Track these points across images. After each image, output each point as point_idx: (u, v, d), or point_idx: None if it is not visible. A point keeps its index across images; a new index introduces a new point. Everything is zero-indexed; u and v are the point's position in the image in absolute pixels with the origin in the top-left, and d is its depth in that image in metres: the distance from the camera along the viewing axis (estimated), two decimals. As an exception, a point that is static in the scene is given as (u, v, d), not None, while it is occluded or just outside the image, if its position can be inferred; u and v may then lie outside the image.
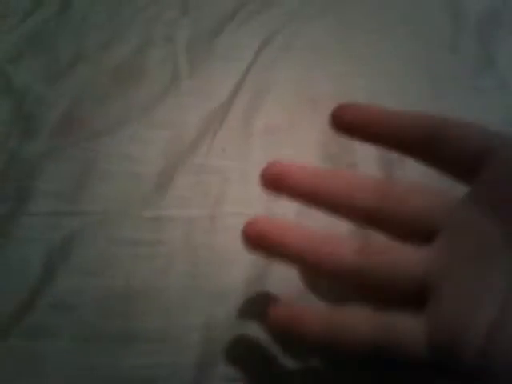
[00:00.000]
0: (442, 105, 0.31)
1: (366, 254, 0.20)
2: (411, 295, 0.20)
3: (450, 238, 0.20)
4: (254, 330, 0.25)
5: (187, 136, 0.32)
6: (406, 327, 0.19)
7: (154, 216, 0.29)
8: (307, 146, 0.31)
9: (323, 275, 0.22)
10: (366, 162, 0.30)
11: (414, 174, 0.23)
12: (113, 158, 0.31)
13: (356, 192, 0.21)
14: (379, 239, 0.21)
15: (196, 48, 0.35)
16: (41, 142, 0.31)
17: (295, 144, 0.31)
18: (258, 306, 0.26)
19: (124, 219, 0.29)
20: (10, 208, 0.29)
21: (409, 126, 0.21)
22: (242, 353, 0.25)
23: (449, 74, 0.34)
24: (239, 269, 0.27)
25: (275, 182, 0.22)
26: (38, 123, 0.32)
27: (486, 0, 0.37)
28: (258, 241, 0.21)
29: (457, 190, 0.21)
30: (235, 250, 0.27)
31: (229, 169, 0.27)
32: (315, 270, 0.21)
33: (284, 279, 0.26)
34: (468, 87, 0.33)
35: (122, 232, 0.28)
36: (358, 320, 0.19)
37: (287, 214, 0.28)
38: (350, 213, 0.22)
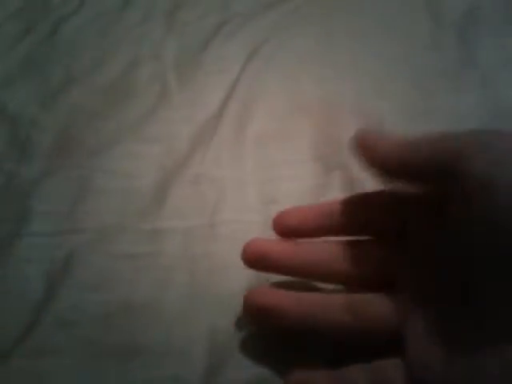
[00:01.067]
0: (427, 103, 0.32)
1: (354, 310, 0.22)
2: (389, 339, 0.22)
3: (406, 291, 0.22)
4: (258, 337, 0.25)
5: (180, 148, 0.32)
6: (394, 371, 0.21)
7: (151, 228, 0.29)
8: (299, 150, 0.31)
9: (316, 335, 0.23)
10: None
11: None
12: (108, 175, 0.31)
13: (331, 261, 0.24)
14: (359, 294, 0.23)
15: (184, 63, 0.36)
16: (37, 163, 0.32)
17: (287, 148, 0.31)
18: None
19: (122, 233, 0.29)
20: (9, 230, 0.29)
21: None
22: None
23: (432, 73, 0.34)
24: (240, 276, 0.27)
25: (257, 263, 0.25)
26: (33, 146, 0.33)
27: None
28: (258, 316, 0.24)
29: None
30: (235, 258, 0.27)
31: (224, 178, 0.27)
32: (308, 331, 0.23)
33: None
34: (451, 84, 0.33)
35: (121, 246, 0.28)
36: (356, 375, 0.21)
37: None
38: (328, 279, 0.24)
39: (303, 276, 0.25)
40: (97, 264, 0.28)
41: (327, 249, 0.24)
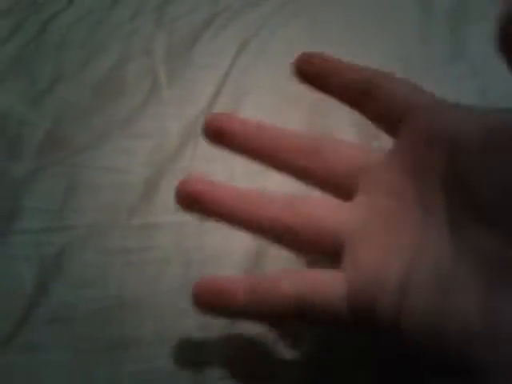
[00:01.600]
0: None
1: (292, 209, 0.21)
2: (331, 251, 0.20)
3: (368, 197, 0.21)
4: (249, 328, 0.25)
5: (170, 144, 0.32)
6: (327, 283, 0.19)
7: (142, 223, 0.29)
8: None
9: (253, 231, 0.22)
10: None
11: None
12: (98, 171, 0.31)
13: (288, 150, 0.23)
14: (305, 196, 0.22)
15: (174, 58, 0.36)
16: (26, 161, 0.32)
17: None
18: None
19: (113, 229, 0.29)
20: (0, 228, 0.29)
21: (351, 79, 0.23)
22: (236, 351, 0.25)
23: (422, 65, 0.34)
24: (231, 268, 0.27)
25: (217, 137, 0.24)
26: (22, 144, 0.33)
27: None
28: (191, 201, 0.22)
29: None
30: (226, 250, 0.28)
31: (214, 171, 0.27)
32: (246, 226, 0.22)
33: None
34: (441, 75, 0.33)
35: (112, 242, 0.28)
36: (280, 282, 0.20)
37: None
38: (283, 167, 0.23)
39: (261, 159, 0.23)
40: (88, 260, 0.28)
41: (291, 140, 0.23)
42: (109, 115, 0.34)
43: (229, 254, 0.27)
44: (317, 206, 0.21)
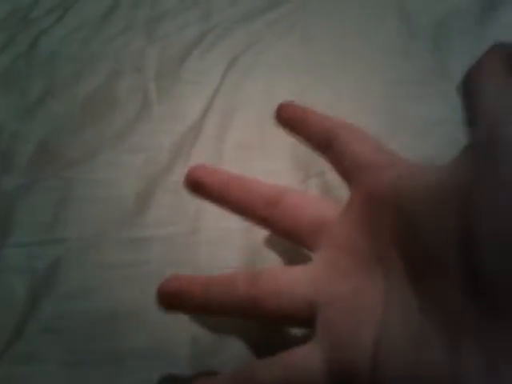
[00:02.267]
0: (401, 111, 0.33)
1: (256, 282, 0.21)
2: (304, 318, 0.20)
3: (328, 254, 0.21)
4: (240, 341, 0.25)
5: (161, 158, 0.32)
6: (302, 359, 0.19)
7: (134, 237, 0.29)
8: (278, 159, 0.32)
9: (223, 312, 0.22)
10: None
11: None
12: (90, 185, 0.31)
13: (253, 201, 0.24)
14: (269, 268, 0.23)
15: (164, 75, 0.36)
16: (18, 175, 0.32)
17: (266, 157, 0.32)
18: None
19: (105, 242, 0.29)
20: (-8, 241, 0.29)
21: (314, 130, 0.25)
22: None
23: (404, 80, 0.35)
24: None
25: (196, 188, 0.25)
26: (13, 157, 0.33)
27: (436, 6, 0.39)
28: (164, 301, 0.23)
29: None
30: (218, 263, 0.28)
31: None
32: (216, 310, 0.22)
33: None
34: (424, 93, 0.34)
35: (104, 255, 0.29)
36: (256, 373, 0.19)
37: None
38: (249, 217, 0.24)
39: (231, 208, 0.25)
40: (81, 273, 0.28)
41: (258, 189, 0.24)
42: (100, 129, 0.34)
43: (221, 268, 0.27)
44: (281, 274, 0.22)
